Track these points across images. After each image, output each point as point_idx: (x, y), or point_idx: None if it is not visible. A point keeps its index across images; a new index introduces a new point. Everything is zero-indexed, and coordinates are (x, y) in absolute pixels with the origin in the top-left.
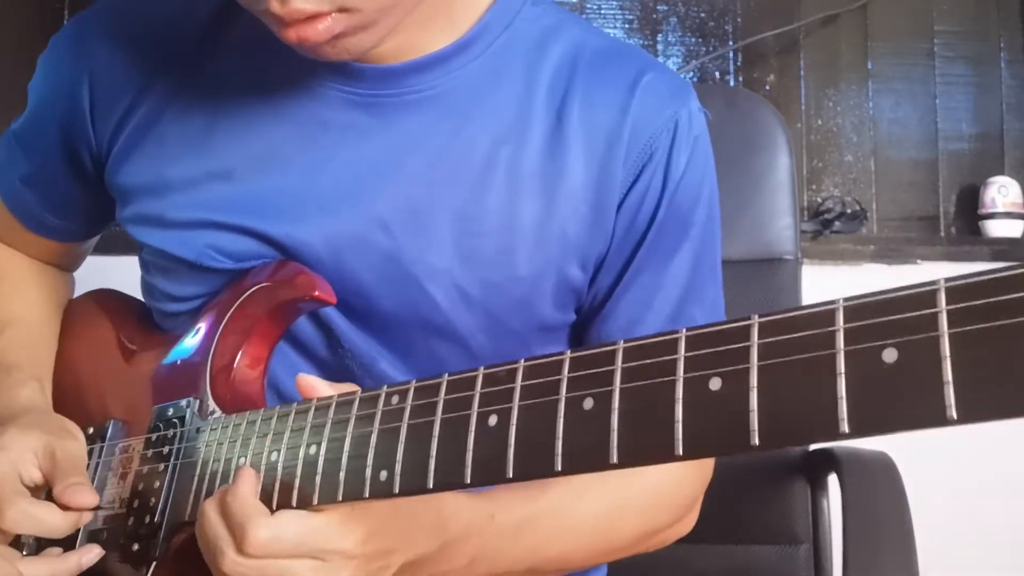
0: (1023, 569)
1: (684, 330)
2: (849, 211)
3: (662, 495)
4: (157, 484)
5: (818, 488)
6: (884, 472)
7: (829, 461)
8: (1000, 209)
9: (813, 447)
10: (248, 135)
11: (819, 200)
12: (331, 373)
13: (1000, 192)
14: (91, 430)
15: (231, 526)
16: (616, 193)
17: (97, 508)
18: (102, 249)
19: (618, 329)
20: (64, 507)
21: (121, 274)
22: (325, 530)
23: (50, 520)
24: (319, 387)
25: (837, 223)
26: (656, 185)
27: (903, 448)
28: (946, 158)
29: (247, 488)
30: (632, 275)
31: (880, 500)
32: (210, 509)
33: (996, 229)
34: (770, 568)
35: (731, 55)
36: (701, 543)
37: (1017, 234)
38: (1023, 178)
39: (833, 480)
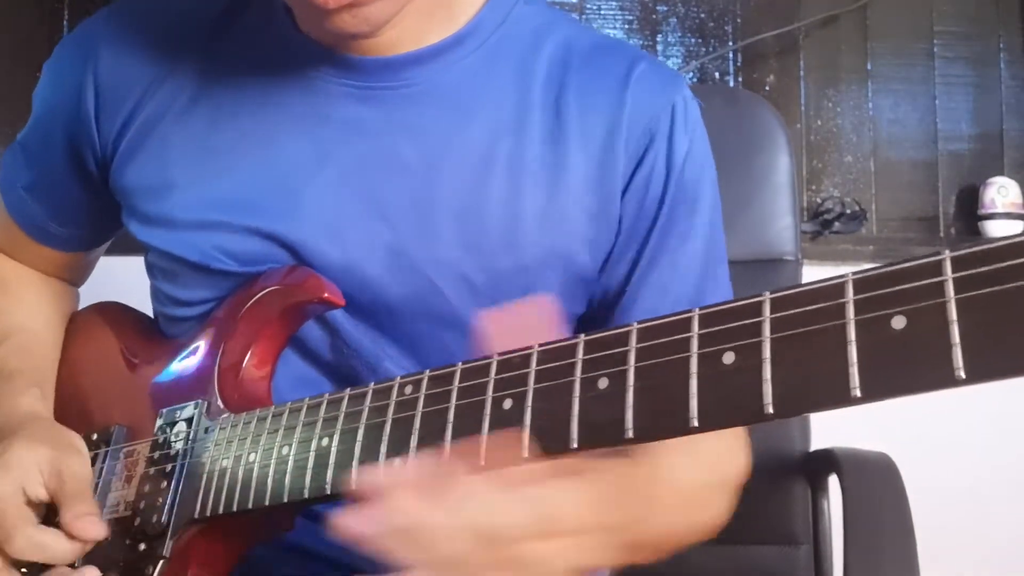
0: (1022, 570)
1: (697, 309)
2: (849, 211)
3: (731, 469)
4: (164, 484)
5: (818, 489)
6: (884, 473)
7: (829, 461)
8: (1000, 210)
9: (813, 447)
10: (250, 132)
11: (819, 200)
12: (336, 375)
13: (1000, 193)
14: (95, 436)
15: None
16: (619, 179)
17: (102, 509)
18: (107, 250)
19: (640, 317)
20: (71, 536)
21: (126, 275)
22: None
23: (56, 548)
24: None
25: (837, 223)
26: (660, 168)
27: (903, 448)
28: (946, 158)
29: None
30: (648, 262)
31: (880, 501)
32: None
33: (996, 230)
34: (770, 568)
35: (731, 55)
36: (701, 543)
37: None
38: (1023, 179)
39: (833, 481)
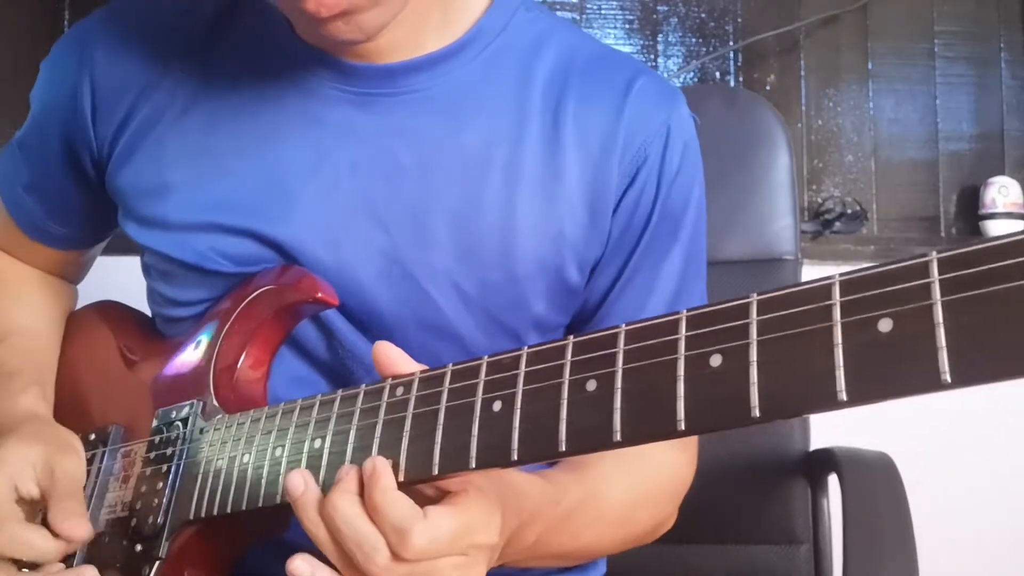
0: (1022, 570)
1: (685, 311)
2: (849, 211)
3: (667, 485)
4: (160, 485)
5: (818, 488)
6: (884, 472)
7: (829, 461)
8: (1000, 209)
9: (813, 447)
10: (246, 135)
11: (819, 200)
12: (332, 375)
13: (1000, 192)
14: (93, 436)
15: (385, 529)
16: (612, 196)
17: (99, 508)
18: (104, 250)
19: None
20: (56, 534)
21: (122, 275)
22: (474, 526)
23: (40, 546)
24: (400, 361)
25: (837, 223)
26: (651, 188)
27: (903, 448)
28: (946, 158)
29: (393, 483)
30: (628, 277)
31: (880, 500)
32: (347, 504)
33: (996, 229)
34: (770, 568)
35: (731, 55)
36: (701, 543)
37: None
38: (1023, 178)
39: (833, 480)
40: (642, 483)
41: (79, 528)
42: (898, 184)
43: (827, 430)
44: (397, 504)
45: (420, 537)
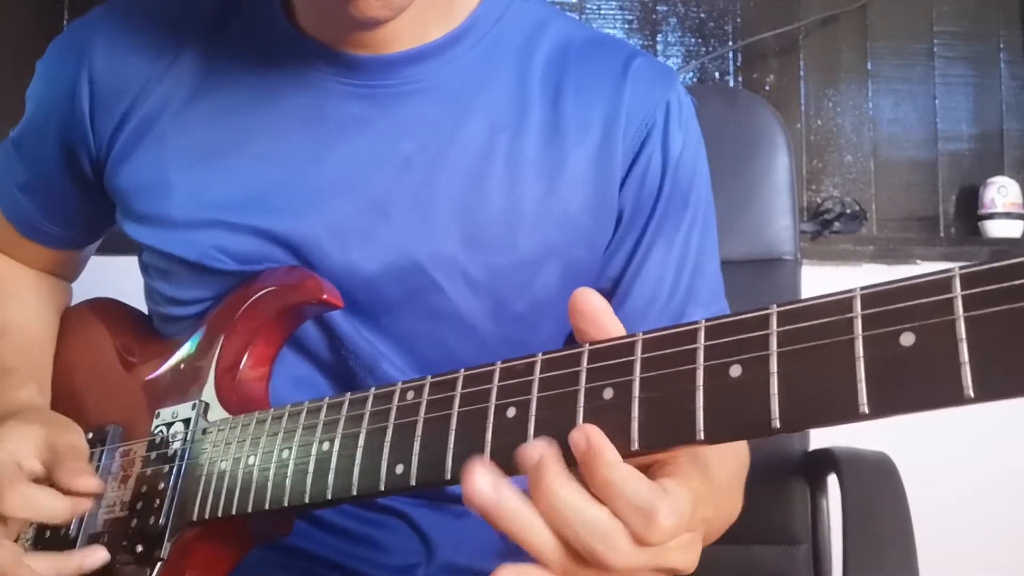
0: (1022, 570)
1: (703, 320)
2: (849, 211)
3: (743, 468)
4: (162, 486)
5: (818, 488)
6: (884, 472)
7: (829, 461)
8: (1000, 209)
9: (813, 447)
10: (249, 131)
11: (819, 200)
12: (333, 375)
13: (1000, 192)
14: (90, 435)
15: (624, 511)
16: (617, 171)
17: (98, 502)
18: (100, 249)
19: (636, 309)
20: (65, 491)
21: (120, 274)
22: (698, 495)
23: (49, 505)
24: (605, 319)
25: (837, 223)
26: (656, 161)
27: (903, 449)
28: (946, 158)
29: (617, 455)
30: (644, 255)
31: (880, 500)
32: (573, 493)
33: (996, 229)
34: (770, 568)
35: (731, 55)
36: None
37: (1017, 234)
38: (1023, 178)
39: (833, 480)
40: (732, 462)
41: (87, 482)
42: (897, 184)
43: (826, 430)
44: (634, 481)
45: (669, 517)
